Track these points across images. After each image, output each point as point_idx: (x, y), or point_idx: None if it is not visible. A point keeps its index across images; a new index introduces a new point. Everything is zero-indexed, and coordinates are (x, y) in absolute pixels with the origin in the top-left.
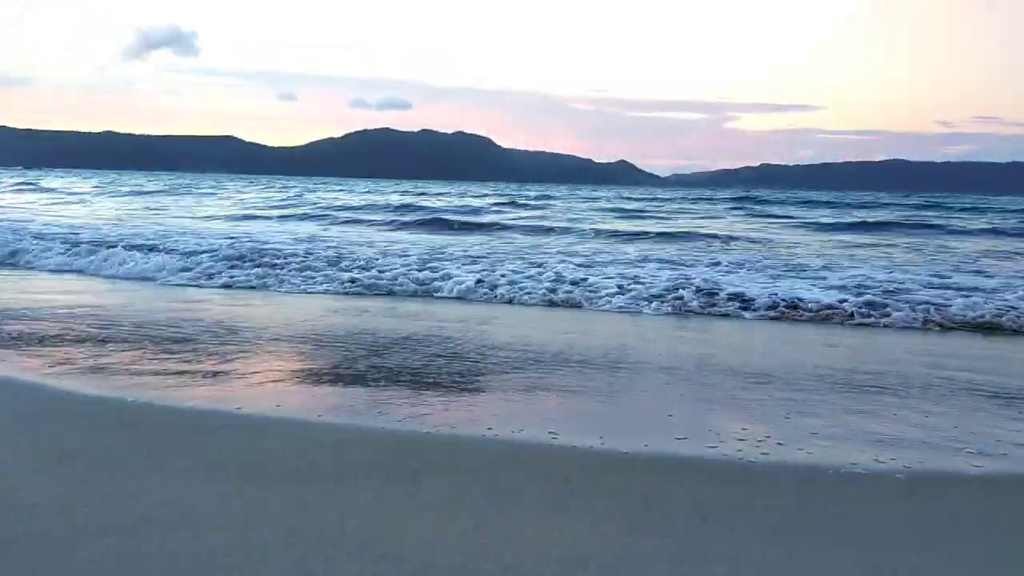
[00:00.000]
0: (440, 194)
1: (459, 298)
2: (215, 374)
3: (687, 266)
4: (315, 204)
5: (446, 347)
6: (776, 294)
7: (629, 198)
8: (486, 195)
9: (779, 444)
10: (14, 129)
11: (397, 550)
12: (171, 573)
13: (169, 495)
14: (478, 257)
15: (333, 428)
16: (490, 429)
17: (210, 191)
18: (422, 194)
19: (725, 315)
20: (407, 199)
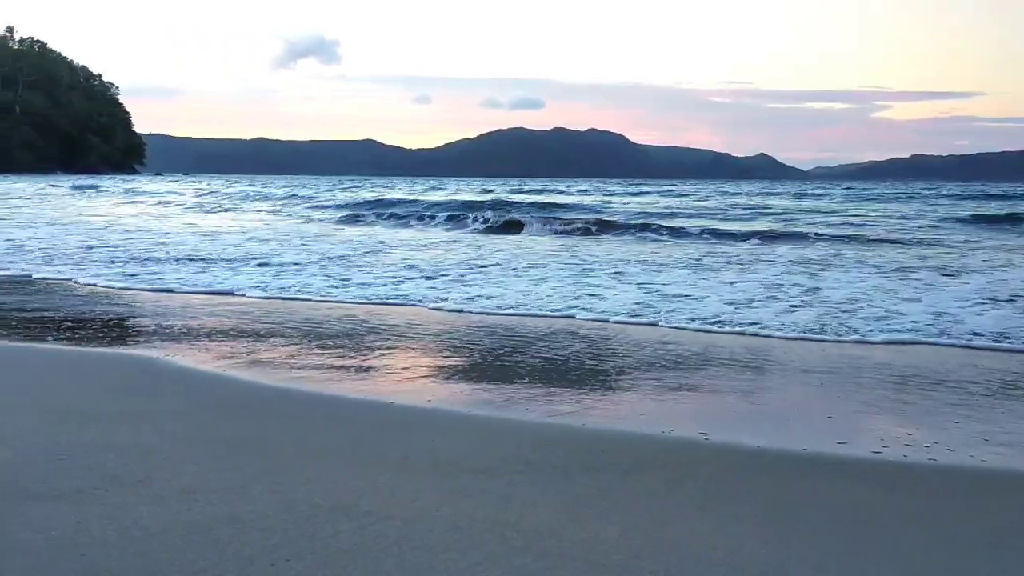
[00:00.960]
0: (612, 193)
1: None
2: (366, 369)
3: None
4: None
5: (590, 344)
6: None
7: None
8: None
9: (949, 451)
10: (172, 137)
11: (559, 547)
12: (343, 560)
13: (335, 485)
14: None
15: (481, 422)
16: (637, 427)
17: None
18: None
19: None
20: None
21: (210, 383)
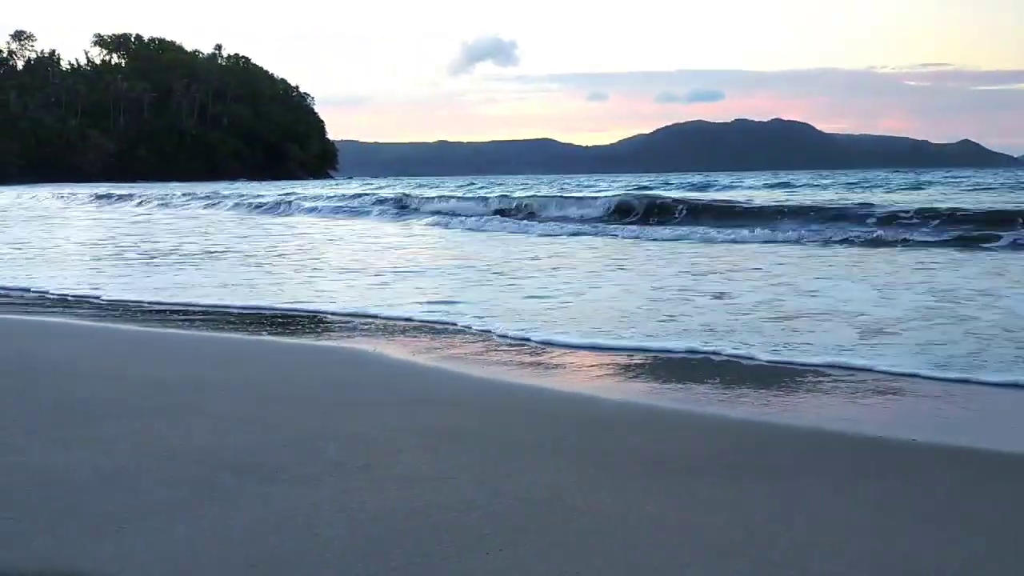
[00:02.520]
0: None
1: None
2: (559, 365)
3: None
4: None
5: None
6: None
7: None
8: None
9: None
10: (360, 143)
11: (770, 554)
12: (553, 553)
13: (538, 479)
14: None
15: (684, 420)
16: (852, 428)
17: None
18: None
19: None
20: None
21: (415, 375)
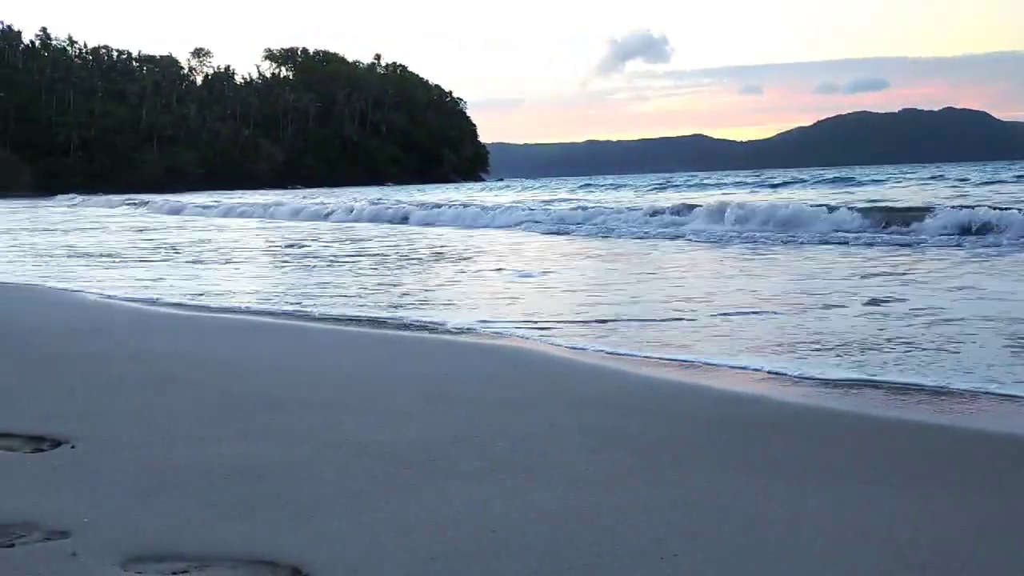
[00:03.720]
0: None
1: None
2: (715, 365)
3: None
4: None
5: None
6: None
7: None
8: None
9: None
10: (512, 145)
11: (964, 569)
12: (732, 559)
13: (709, 485)
14: None
15: (861, 426)
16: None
17: None
18: None
19: None
20: None
21: (574, 372)
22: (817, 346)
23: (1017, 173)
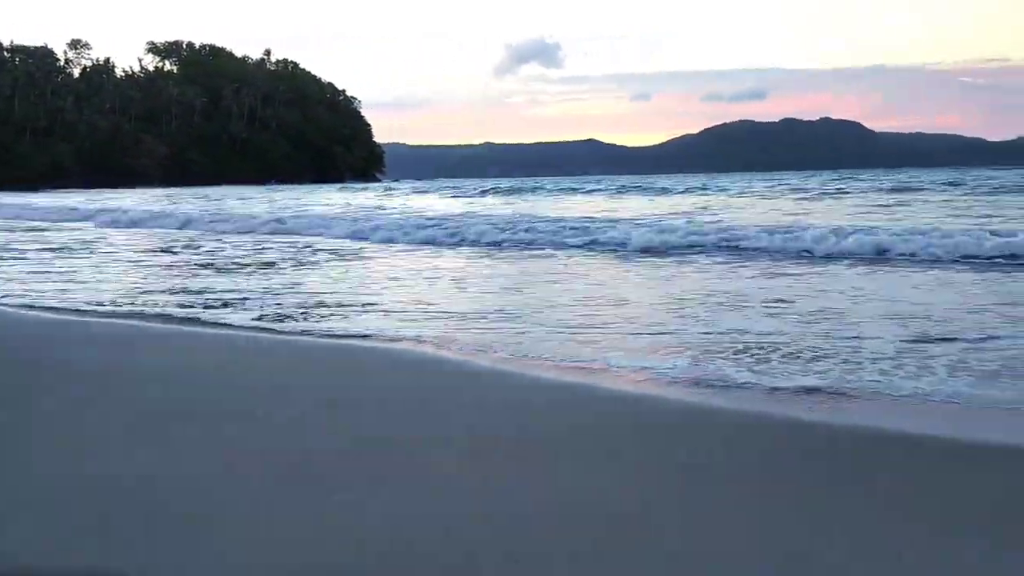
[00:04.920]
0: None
1: None
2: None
3: None
4: None
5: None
6: None
7: None
8: None
9: None
10: (407, 146)
11: (810, 570)
12: (576, 564)
13: (577, 487)
14: None
15: (713, 430)
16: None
17: None
18: None
19: None
20: None
21: (469, 378)
22: (699, 350)
23: (841, 186)
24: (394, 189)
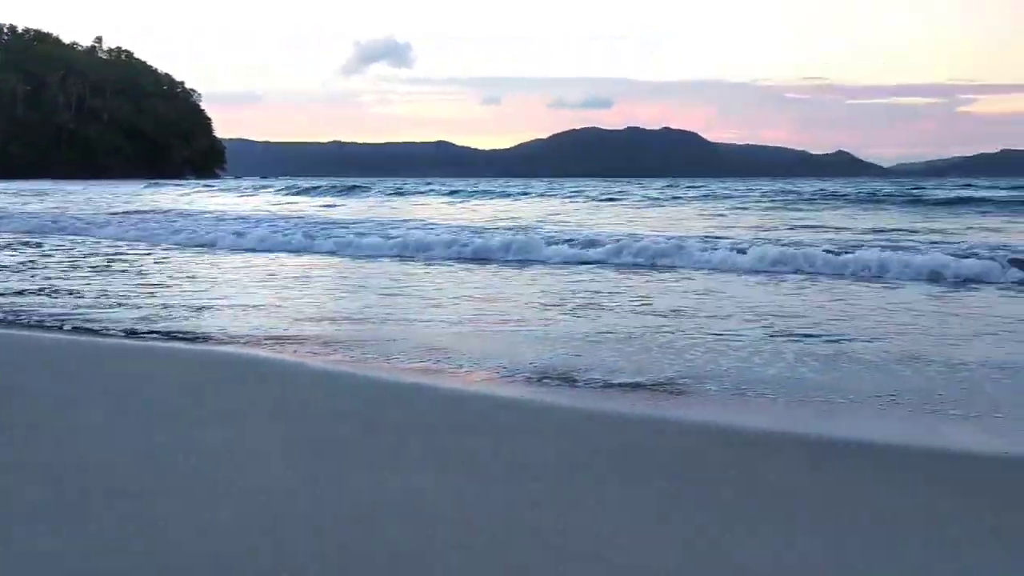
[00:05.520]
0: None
1: None
2: (438, 370)
3: None
4: None
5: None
6: None
7: None
8: None
9: None
10: (252, 142)
11: (616, 555)
12: (393, 564)
13: (403, 486)
14: None
15: (558, 422)
16: (710, 431)
17: None
18: None
19: None
20: None
21: (291, 381)
22: (539, 349)
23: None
24: (213, 186)
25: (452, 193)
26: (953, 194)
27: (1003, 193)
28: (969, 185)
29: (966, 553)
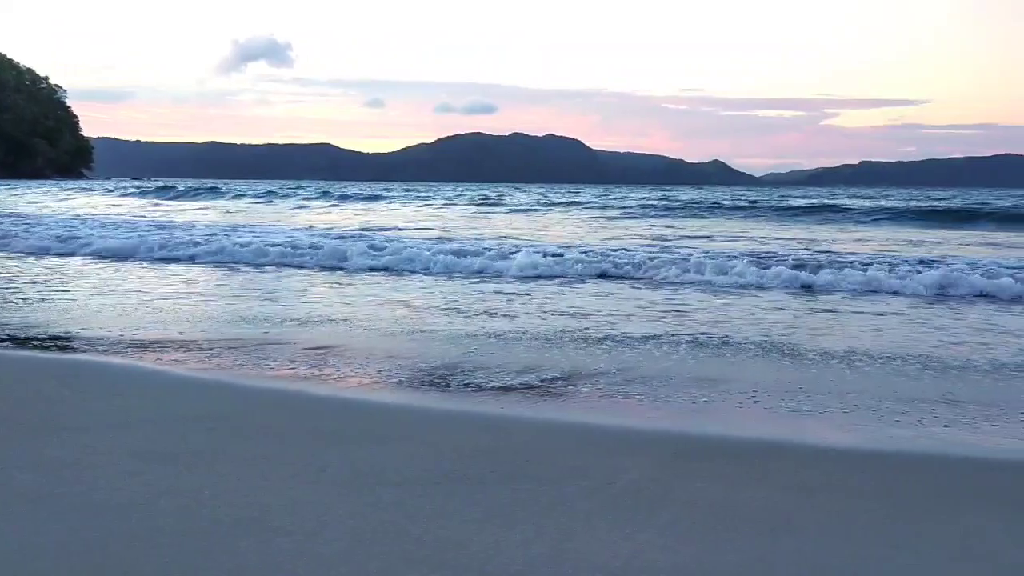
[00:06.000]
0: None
1: None
2: (290, 376)
3: None
4: None
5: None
6: None
7: None
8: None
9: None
10: (122, 141)
11: (458, 558)
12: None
13: (245, 499)
14: None
15: (405, 431)
16: (570, 431)
17: None
18: None
19: None
20: None
21: (145, 385)
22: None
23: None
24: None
25: (323, 195)
26: (819, 202)
27: (861, 203)
28: (835, 195)
29: (811, 544)
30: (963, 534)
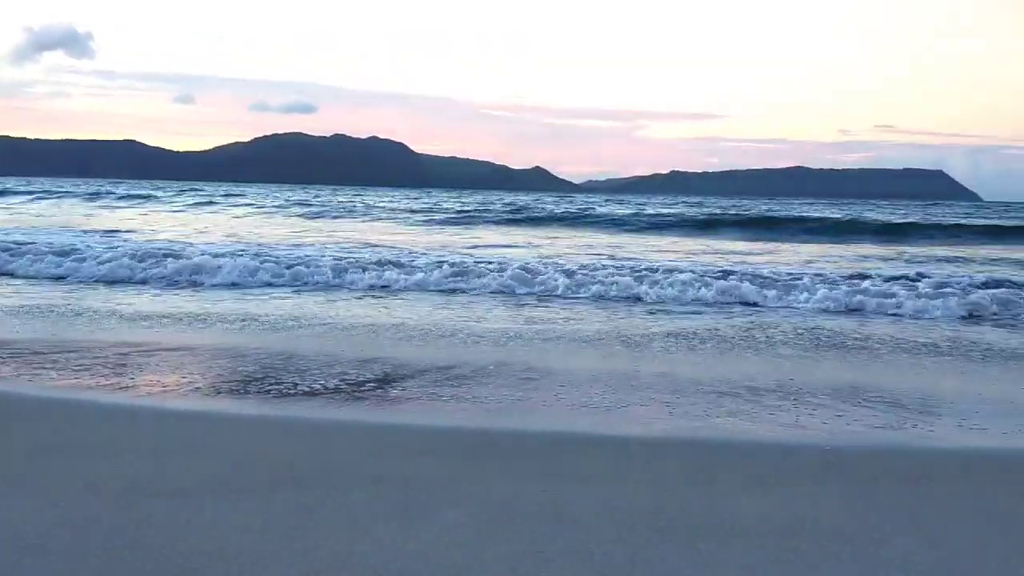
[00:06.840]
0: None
1: None
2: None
3: None
4: None
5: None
6: None
7: None
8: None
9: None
10: None
11: (229, 569)
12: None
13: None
14: None
15: (187, 439)
16: (369, 434)
17: None
18: None
19: None
20: None
21: None
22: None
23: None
24: None
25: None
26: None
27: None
28: (643, 204)
29: (584, 533)
30: (726, 513)
